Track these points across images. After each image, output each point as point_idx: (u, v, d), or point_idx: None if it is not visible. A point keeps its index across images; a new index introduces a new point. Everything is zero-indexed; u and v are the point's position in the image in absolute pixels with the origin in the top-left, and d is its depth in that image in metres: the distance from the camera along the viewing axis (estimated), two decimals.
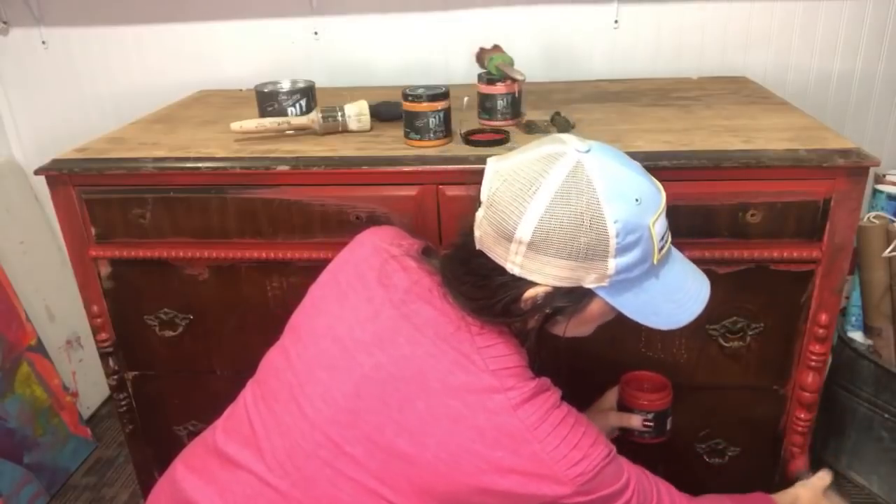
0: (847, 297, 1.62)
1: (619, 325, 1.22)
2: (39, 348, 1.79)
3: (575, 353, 1.24)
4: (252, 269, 1.25)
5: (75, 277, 1.30)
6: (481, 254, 0.81)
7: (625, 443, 1.13)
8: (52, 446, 1.78)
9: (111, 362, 1.37)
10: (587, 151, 0.76)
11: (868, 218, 1.51)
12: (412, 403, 0.78)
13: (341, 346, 0.84)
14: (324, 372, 0.84)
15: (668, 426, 1.12)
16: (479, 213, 0.80)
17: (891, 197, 1.59)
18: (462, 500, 0.79)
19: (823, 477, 1.07)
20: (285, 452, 0.83)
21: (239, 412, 0.90)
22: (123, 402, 1.41)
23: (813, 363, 1.20)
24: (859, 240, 1.50)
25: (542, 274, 0.77)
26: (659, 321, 0.81)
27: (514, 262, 0.77)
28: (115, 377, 1.38)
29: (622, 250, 0.75)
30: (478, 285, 0.81)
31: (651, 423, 1.10)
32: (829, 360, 1.46)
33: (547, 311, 0.80)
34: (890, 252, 1.47)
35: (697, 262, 1.15)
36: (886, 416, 1.54)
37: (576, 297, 0.79)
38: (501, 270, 0.79)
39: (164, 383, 1.39)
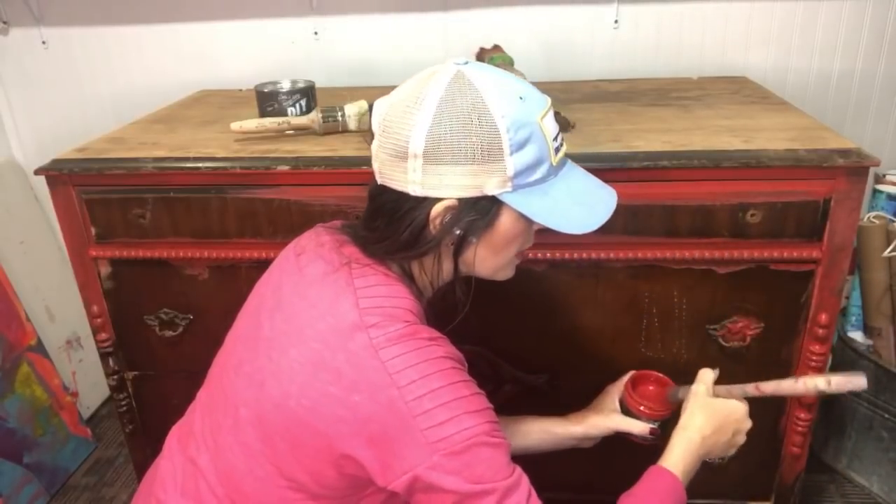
0: (847, 297, 1.61)
1: (619, 324, 1.23)
2: (39, 348, 1.79)
3: (574, 352, 1.25)
4: (252, 269, 1.25)
5: (75, 277, 1.30)
6: (384, 189, 0.80)
7: (622, 441, 1.12)
8: (52, 446, 1.78)
9: (111, 362, 1.37)
10: (465, 63, 0.78)
11: (868, 218, 1.50)
12: (287, 353, 0.78)
13: (255, 319, 0.86)
14: (240, 345, 0.87)
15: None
16: (374, 145, 0.80)
17: (891, 197, 1.59)
18: (332, 453, 0.76)
19: (702, 377, 0.98)
20: (209, 429, 0.86)
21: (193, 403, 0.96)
22: (123, 402, 1.41)
23: (813, 363, 1.20)
24: (859, 240, 1.50)
25: (445, 186, 0.75)
26: (570, 225, 0.79)
27: (415, 181, 0.76)
28: (115, 377, 1.38)
29: (516, 147, 0.74)
30: (387, 224, 0.80)
31: (657, 431, 1.08)
32: (829, 359, 1.46)
33: (457, 231, 0.78)
34: (890, 252, 1.47)
35: (697, 261, 1.16)
36: (886, 416, 1.54)
37: (483, 208, 0.77)
38: (405, 197, 0.77)
39: (164, 383, 1.39)
